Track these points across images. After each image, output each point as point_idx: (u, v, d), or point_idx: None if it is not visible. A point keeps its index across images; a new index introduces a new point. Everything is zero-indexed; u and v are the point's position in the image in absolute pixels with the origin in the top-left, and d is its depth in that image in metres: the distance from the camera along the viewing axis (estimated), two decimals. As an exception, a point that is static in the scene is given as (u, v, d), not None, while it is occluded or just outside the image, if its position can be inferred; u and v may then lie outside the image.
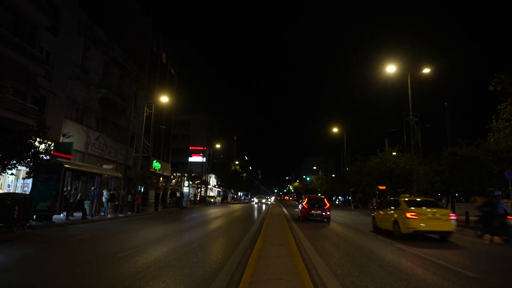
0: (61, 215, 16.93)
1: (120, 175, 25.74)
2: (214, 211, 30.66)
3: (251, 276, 5.96)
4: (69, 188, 20.62)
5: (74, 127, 23.09)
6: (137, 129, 32.32)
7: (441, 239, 12.52)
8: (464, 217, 21.32)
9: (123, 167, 26.36)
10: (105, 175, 25.55)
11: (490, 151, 19.25)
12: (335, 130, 52.37)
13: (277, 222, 18.62)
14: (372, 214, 16.20)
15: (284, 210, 35.43)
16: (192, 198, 51.95)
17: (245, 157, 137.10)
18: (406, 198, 14.17)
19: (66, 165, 17.66)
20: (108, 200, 20.50)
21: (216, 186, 79.49)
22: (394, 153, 33.98)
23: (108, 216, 19.92)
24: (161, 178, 42.73)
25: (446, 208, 24.46)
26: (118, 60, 29.64)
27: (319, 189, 77.34)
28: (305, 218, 20.37)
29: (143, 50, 37.20)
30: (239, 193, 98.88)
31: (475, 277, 6.50)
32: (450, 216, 12.28)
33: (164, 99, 32.49)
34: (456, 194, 34.34)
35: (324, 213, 20.18)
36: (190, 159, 67.88)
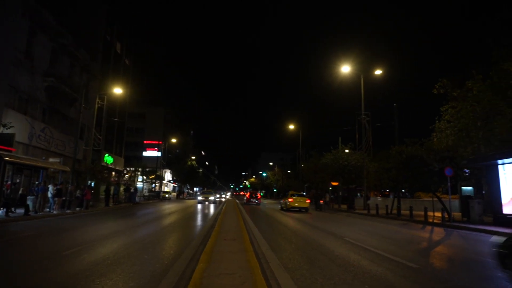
0: (0, 211, 15.78)
1: (68, 169, 24.45)
2: (168, 207, 30.09)
3: (203, 271, 5.93)
4: (9, 182, 19.26)
5: (16, 118, 21.54)
6: (88, 121, 30.82)
7: (302, 211, 26.52)
8: (408, 212, 22.67)
9: (71, 161, 25.05)
10: (51, 169, 24.16)
11: (432, 150, 20.55)
12: (291, 127, 53.37)
13: (232, 218, 18.67)
14: (280, 201, 32.09)
15: (241, 207, 35.60)
16: (147, 194, 50.61)
17: (202, 152, 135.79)
18: (291, 192, 31.07)
19: (7, 158, 16.48)
20: (54, 196, 19.37)
21: (172, 181, 78.07)
22: (346, 151, 35.30)
23: (54, 212, 18.86)
24: (113, 173, 41.18)
25: (393, 203, 25.83)
26: (68, 48, 28.02)
27: (274, 185, 78.50)
28: (246, 203, 41.00)
29: (96, 39, 35.48)
30: (195, 189, 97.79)
31: (313, 224, 6.94)
32: (307, 200, 28.31)
33: (117, 90, 31.26)
34: (403, 190, 36.37)
35: (256, 201, 41.35)
36: (145, 154, 66.05)
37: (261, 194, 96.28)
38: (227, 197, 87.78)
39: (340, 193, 39.64)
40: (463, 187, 30.33)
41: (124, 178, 47.08)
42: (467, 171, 22.23)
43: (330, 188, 42.04)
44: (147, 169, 54.74)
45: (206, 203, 39.56)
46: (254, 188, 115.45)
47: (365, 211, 27.96)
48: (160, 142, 59.94)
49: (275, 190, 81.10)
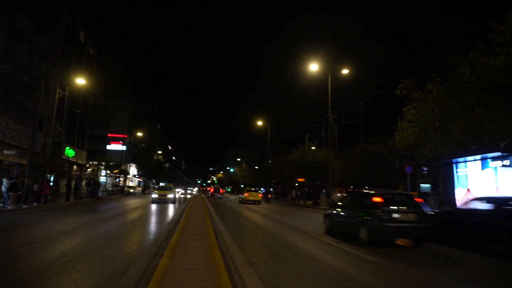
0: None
1: (24, 161, 23.23)
2: (133, 202, 29.39)
3: (165, 267, 5.86)
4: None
5: (-32, 106, 20.16)
6: (48, 112, 29.39)
7: (256, 203, 32.04)
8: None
9: (29, 153, 23.83)
10: (6, 162, 22.87)
11: (394, 149, 21.38)
12: (260, 123, 53.59)
13: (198, 213, 18.54)
14: (239, 195, 39.42)
15: (207, 202, 35.40)
16: (110, 188, 49.12)
17: (169, 146, 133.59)
18: (247, 188, 38.47)
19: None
20: (8, 190, 18.35)
21: (137, 176, 76.32)
22: (313, 148, 35.95)
23: (9, 207, 17.88)
24: (74, 166, 39.63)
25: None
26: (27, 34, 26.51)
27: (242, 181, 78.63)
28: (210, 196, 50.58)
29: (58, 26, 33.76)
30: (161, 183, 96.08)
31: (279, 220, 7.21)
32: (260, 194, 36.02)
33: (80, 81, 29.99)
34: (366, 187, 37.59)
35: (219, 195, 53.17)
36: (109, 147, 64.02)
37: (228, 189, 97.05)
38: (194, 192, 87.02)
39: (306, 189, 40.36)
40: (422, 184, 31.79)
41: (87, 172, 45.42)
42: (425, 169, 23.32)
43: (297, 184, 42.71)
44: (111, 163, 53.11)
45: (162, 200, 28.06)
46: (221, 183, 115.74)
47: (330, 207, 28.63)
48: (125, 136, 58.33)
49: (242, 186, 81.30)
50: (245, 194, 35.70)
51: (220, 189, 58.87)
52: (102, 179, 52.62)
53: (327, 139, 35.03)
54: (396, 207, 9.59)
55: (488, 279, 6.53)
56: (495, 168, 15.42)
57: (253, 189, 38.48)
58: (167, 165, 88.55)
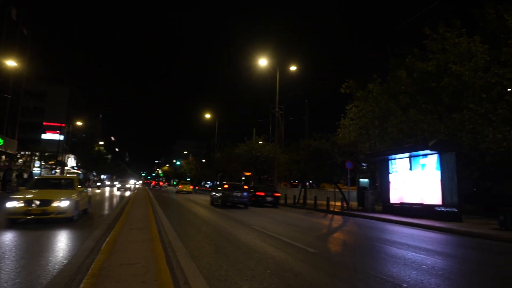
0: None
1: None
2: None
3: (103, 262, 5.63)
4: None
5: None
6: (-28, 96, 26.64)
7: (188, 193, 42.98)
8: (313, 201, 24.37)
9: None
10: None
11: (336, 145, 22.33)
12: (208, 116, 53.10)
13: (141, 207, 18.00)
14: (176, 187, 58.63)
15: (151, 195, 34.46)
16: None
17: (112, 137, 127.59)
18: (182, 182, 56.30)
19: None
20: None
21: (76, 168, 72.01)
22: (260, 142, 36.42)
23: None
24: (3, 157, 36.45)
25: (300, 193, 27.45)
26: None
27: (188, 174, 77.54)
28: (153, 187, 70.63)
29: (-15, 1, 30.66)
30: (102, 176, 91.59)
31: (223, 213, 7.51)
32: (190, 186, 48.75)
33: (10, 63, 27.52)
34: (311, 181, 38.90)
35: (159, 187, 76.31)
36: (44, 136, 59.70)
37: (174, 183, 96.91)
38: (138, 185, 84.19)
39: (252, 183, 40.83)
40: (361, 179, 33.66)
41: (18, 163, 41.99)
42: (364, 164, 24.68)
43: (243, 178, 43.03)
44: (46, 154, 49.57)
45: (122, 190, 43.78)
46: (167, 176, 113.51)
47: (275, 201, 29.30)
48: (63, 125, 54.62)
49: (188, 179, 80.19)
50: (180, 186, 48.86)
51: (160, 182, 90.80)
52: (36, 170, 48.98)
53: (274, 133, 35.70)
54: (233, 190, 20.90)
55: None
56: (423, 165, 16.73)
57: (185, 181, 56.49)
58: (109, 156, 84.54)
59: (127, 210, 15.27)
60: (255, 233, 10.18)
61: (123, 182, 50.14)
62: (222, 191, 20.80)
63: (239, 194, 20.58)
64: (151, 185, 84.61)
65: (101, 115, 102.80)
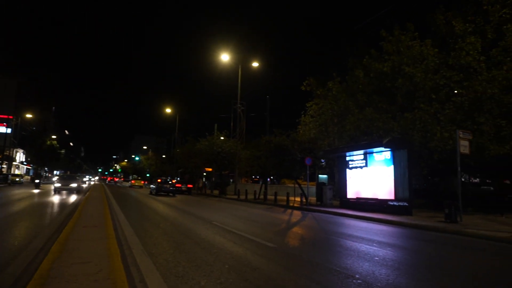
0: None
1: None
2: (18, 192, 26.12)
3: (53, 262, 5.37)
4: None
5: None
6: None
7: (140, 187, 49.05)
8: (273, 197, 24.69)
9: None
10: None
11: (296, 141, 22.76)
12: (168, 110, 52.06)
13: (96, 204, 17.35)
14: (130, 182, 64.14)
15: (107, 191, 33.30)
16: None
17: (66, 131, 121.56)
18: (134, 177, 73.86)
19: None
20: None
21: (25, 163, 67.92)
22: (222, 138, 36.27)
23: None
24: None
25: (260, 189, 27.70)
26: None
27: (148, 170, 75.66)
28: (108, 183, 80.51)
29: None
30: (55, 172, 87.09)
31: (183, 209, 7.63)
32: (142, 182, 55.84)
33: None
34: (271, 177, 39.35)
35: (114, 182, 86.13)
36: (-11, 129, 55.61)
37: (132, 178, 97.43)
38: (95, 181, 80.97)
39: (213, 179, 40.62)
40: (320, 175, 34.57)
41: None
42: (323, 161, 25.36)
43: (204, 174, 42.70)
44: (-9, 148, 46.27)
45: (64, 191, 26.96)
46: (125, 172, 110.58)
47: (236, 196, 29.36)
48: (11, 117, 51.26)
49: (148, 175, 78.25)
50: (132, 181, 57.27)
51: (115, 178, 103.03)
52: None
53: (236, 129, 35.70)
54: (164, 183, 30.06)
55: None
56: (378, 161, 17.46)
57: (138, 178, 64.86)
58: (62, 151, 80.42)
59: (81, 208, 14.66)
60: (215, 229, 10.15)
61: (67, 180, 29.24)
62: (156, 184, 30.24)
63: (167, 186, 29.86)
64: (107, 181, 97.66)
65: (54, 108, 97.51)
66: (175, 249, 6.95)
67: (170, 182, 31.61)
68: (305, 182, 24.70)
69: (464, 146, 13.40)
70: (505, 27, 16.29)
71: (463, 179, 20.32)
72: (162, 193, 29.32)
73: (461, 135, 13.42)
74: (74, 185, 27.72)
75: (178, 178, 57.49)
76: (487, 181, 23.79)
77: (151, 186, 33.75)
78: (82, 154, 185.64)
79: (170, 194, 29.52)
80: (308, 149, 21.88)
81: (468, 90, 16.59)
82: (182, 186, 35.66)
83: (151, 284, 4.50)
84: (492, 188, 21.47)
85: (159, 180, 31.28)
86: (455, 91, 17.63)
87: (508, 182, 21.51)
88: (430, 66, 18.06)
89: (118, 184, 74.89)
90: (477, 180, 25.14)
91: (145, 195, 29.36)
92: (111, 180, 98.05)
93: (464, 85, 16.97)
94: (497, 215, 15.59)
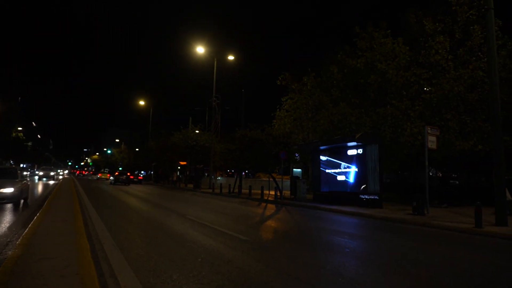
0: None
1: None
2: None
3: (17, 258, 5.19)
4: None
5: None
6: None
7: (106, 180, 51.07)
8: (248, 190, 24.77)
9: None
10: None
11: (271, 135, 22.84)
12: (142, 103, 51.01)
13: (66, 197, 16.84)
14: (97, 175, 68.32)
15: (77, 184, 32.36)
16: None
17: (33, 123, 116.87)
18: (102, 171, 74.75)
19: None
20: None
21: (-12, 156, 64.77)
22: (196, 131, 35.94)
23: None
24: None
25: (235, 183, 27.71)
26: None
27: (120, 163, 73.98)
28: (77, 176, 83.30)
29: None
30: (21, 165, 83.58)
31: (157, 203, 7.68)
32: (108, 175, 57.48)
33: None
34: (246, 171, 39.40)
35: (82, 175, 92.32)
36: (-51, 120, 52.62)
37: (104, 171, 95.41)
38: (64, 175, 78.43)
39: (188, 173, 40.26)
40: (294, 169, 34.91)
41: None
42: (297, 155, 25.61)
43: (179, 167, 42.24)
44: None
45: (45, 179, 42.39)
46: (97, 165, 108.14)
47: (210, 190, 29.25)
48: (-27, 107, 48.63)
49: (120, 168, 76.61)
50: (99, 175, 64.41)
51: (83, 171, 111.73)
52: None
53: (211, 123, 35.44)
54: (120, 175, 37.81)
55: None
56: (350, 155, 17.83)
57: (105, 171, 70.44)
58: (29, 144, 77.31)
59: (50, 200, 14.18)
60: (188, 222, 10.09)
61: (46, 170, 47.65)
62: (115, 176, 38.34)
63: (123, 177, 37.09)
64: (76, 174, 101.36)
65: (20, 98, 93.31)
66: (148, 244, 6.87)
67: (125, 175, 38.80)
68: (279, 176, 24.88)
69: (432, 142, 13.89)
70: (472, 27, 16.92)
71: (430, 173, 21.05)
72: (119, 183, 36.23)
73: (429, 131, 13.90)
74: (52, 173, 45.20)
75: (152, 172, 56.63)
76: (453, 175, 24.80)
77: (110, 178, 44.57)
78: (51, 147, 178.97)
79: (126, 184, 36.63)
80: (283, 143, 22.02)
81: (437, 88, 17.16)
82: (134, 178, 45.75)
83: (122, 279, 4.42)
84: (457, 182, 22.44)
85: (116, 173, 40.02)
86: (425, 88, 18.20)
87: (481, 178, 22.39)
88: (401, 63, 18.53)
89: (88, 177, 77.10)
90: (440, 174, 26.02)
91: (107, 184, 37.53)
92: (79, 173, 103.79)
93: (433, 82, 17.54)
94: (463, 207, 16.33)
